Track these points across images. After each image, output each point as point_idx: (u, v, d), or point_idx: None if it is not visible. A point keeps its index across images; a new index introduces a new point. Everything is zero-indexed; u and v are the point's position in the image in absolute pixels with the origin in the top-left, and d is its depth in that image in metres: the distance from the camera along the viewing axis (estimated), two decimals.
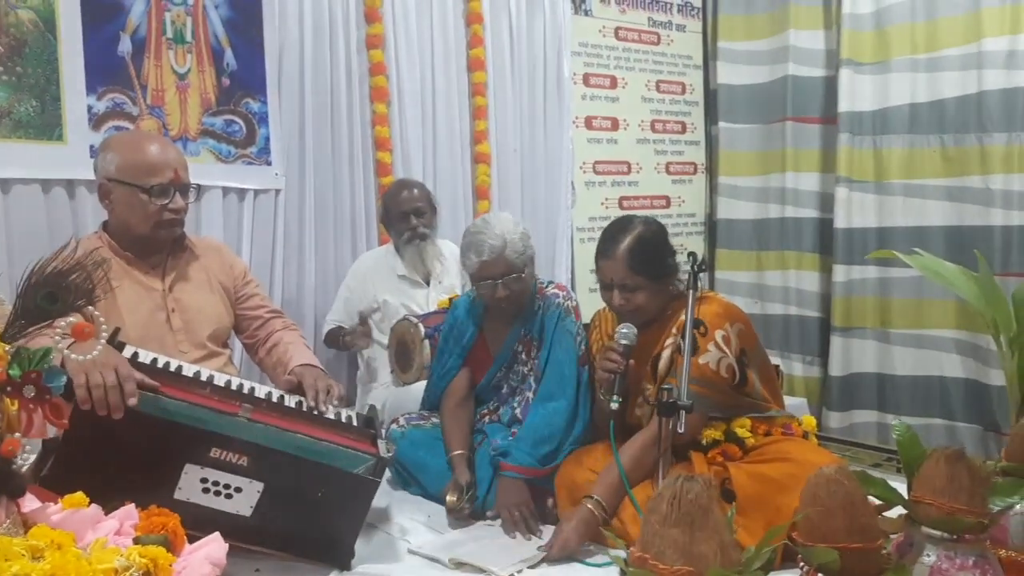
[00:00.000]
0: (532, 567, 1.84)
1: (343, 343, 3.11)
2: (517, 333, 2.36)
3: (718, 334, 2.04)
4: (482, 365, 2.42)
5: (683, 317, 2.06)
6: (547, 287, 2.39)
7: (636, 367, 2.07)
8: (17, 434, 1.21)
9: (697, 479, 1.04)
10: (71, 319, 1.25)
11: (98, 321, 1.28)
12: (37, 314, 1.23)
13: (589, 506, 1.92)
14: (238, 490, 1.69)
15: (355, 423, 2.03)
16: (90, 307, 1.28)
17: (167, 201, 2.09)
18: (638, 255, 2.06)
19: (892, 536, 1.50)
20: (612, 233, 2.12)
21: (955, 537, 1.39)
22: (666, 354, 2.08)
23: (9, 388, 1.19)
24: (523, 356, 2.36)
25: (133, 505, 1.36)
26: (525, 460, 2.14)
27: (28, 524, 1.21)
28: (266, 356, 2.30)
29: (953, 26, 3.76)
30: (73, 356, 1.28)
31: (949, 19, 3.77)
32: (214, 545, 1.31)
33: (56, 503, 1.28)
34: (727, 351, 2.04)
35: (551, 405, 2.22)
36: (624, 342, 1.99)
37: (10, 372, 1.18)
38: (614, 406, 1.92)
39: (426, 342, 2.84)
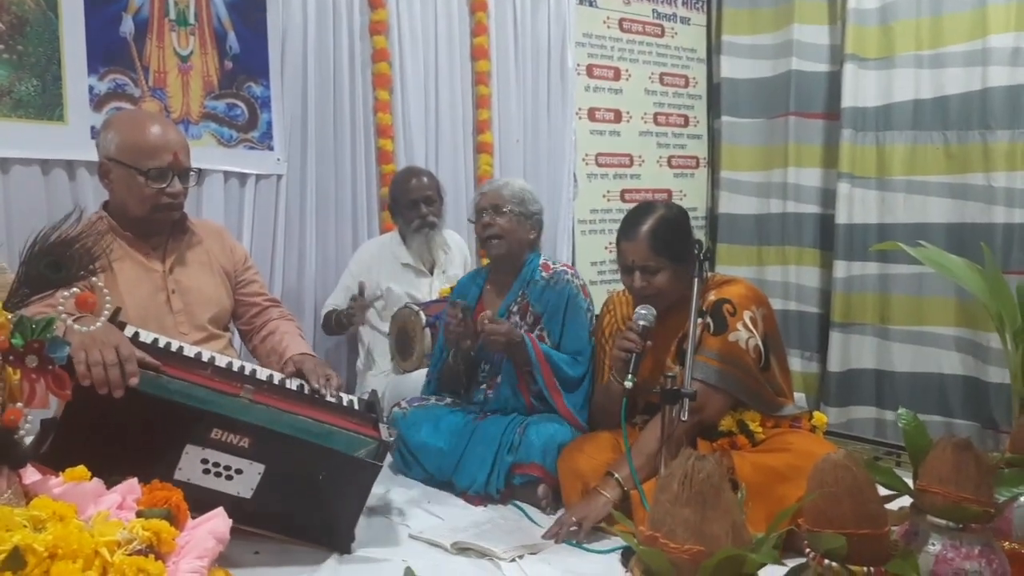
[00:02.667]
0: (534, 553, 1.83)
1: (340, 320, 3.07)
2: (515, 295, 2.45)
3: (746, 314, 2.05)
4: None
5: (710, 297, 2.07)
6: (553, 264, 2.48)
7: (658, 350, 2.07)
8: (19, 404, 1.19)
9: (708, 458, 1.03)
10: (74, 290, 1.23)
11: (101, 292, 1.27)
12: (40, 282, 1.21)
13: (613, 487, 1.93)
14: (239, 472, 1.68)
15: (356, 407, 2.02)
16: (94, 278, 1.26)
17: (164, 185, 2.06)
18: (660, 236, 2.08)
19: (894, 528, 1.49)
20: (635, 216, 2.14)
21: (961, 526, 1.38)
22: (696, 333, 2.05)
23: (11, 357, 1.18)
24: (517, 319, 2.42)
25: (136, 479, 1.35)
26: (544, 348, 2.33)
27: (29, 496, 1.19)
28: (260, 344, 2.28)
29: (958, 22, 3.75)
30: (76, 327, 1.26)
31: (954, 15, 3.76)
32: (218, 520, 1.29)
33: (57, 476, 1.26)
34: (754, 331, 2.05)
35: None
36: (642, 323, 1.99)
37: (13, 341, 1.16)
38: (628, 385, 1.92)
39: (427, 330, 2.83)
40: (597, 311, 2.46)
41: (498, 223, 2.40)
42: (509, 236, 2.42)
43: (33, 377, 1.19)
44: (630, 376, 1.92)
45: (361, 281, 3.06)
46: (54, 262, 1.20)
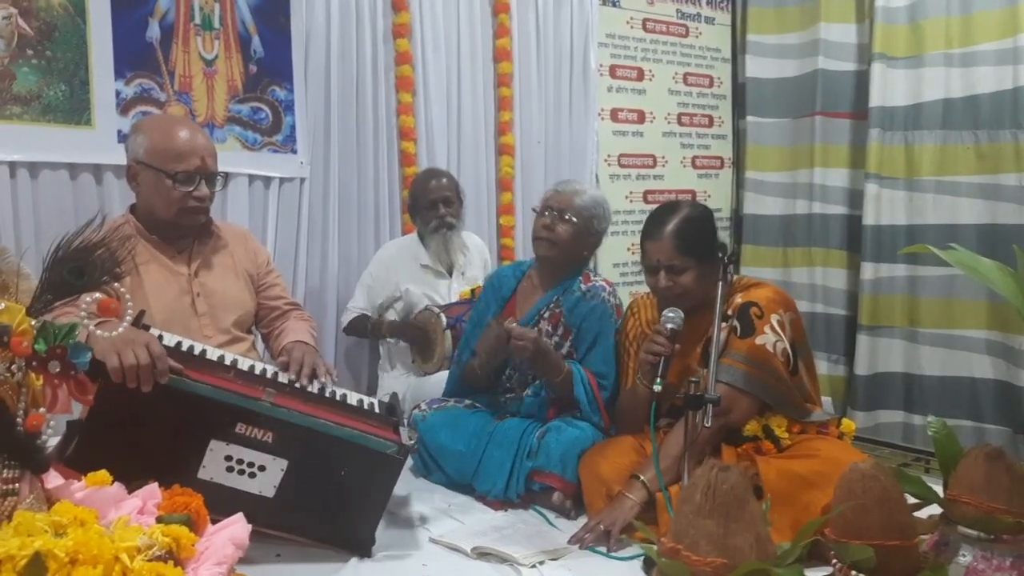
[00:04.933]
0: (555, 559, 1.82)
1: (377, 331, 3.08)
2: (549, 299, 2.37)
3: (774, 318, 2.03)
4: None
5: (737, 300, 2.05)
6: (594, 277, 2.41)
7: (683, 353, 2.06)
8: (42, 409, 1.21)
9: (732, 469, 1.01)
10: (97, 295, 1.24)
11: (124, 298, 1.27)
12: (63, 288, 1.22)
13: (639, 489, 1.91)
14: (262, 468, 1.69)
15: (377, 410, 2.02)
16: (116, 284, 1.27)
17: (191, 188, 2.08)
18: (685, 236, 2.06)
19: (924, 536, 1.46)
20: (659, 215, 2.12)
21: (992, 537, 1.36)
22: (721, 336, 2.00)
23: (34, 363, 1.19)
24: (549, 328, 2.35)
25: (156, 484, 1.35)
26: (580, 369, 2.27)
27: (51, 500, 1.20)
28: (275, 346, 2.29)
29: (989, 20, 3.68)
30: (99, 332, 1.27)
31: (985, 13, 3.69)
32: (237, 526, 1.30)
33: (79, 481, 1.27)
34: (782, 335, 2.02)
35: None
36: (671, 326, 1.97)
37: (36, 347, 1.17)
38: (658, 388, 1.90)
39: (447, 332, 2.83)
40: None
41: (557, 229, 2.31)
42: (561, 246, 2.32)
43: (56, 382, 1.20)
44: (659, 380, 1.90)
45: (394, 295, 3.07)
46: (76, 268, 1.22)
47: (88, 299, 1.24)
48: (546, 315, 2.36)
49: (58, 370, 1.19)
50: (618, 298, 2.41)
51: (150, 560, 1.09)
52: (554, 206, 2.32)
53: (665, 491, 1.86)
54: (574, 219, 2.31)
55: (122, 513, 1.21)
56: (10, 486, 1.18)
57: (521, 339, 2.16)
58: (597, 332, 2.31)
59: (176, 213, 2.10)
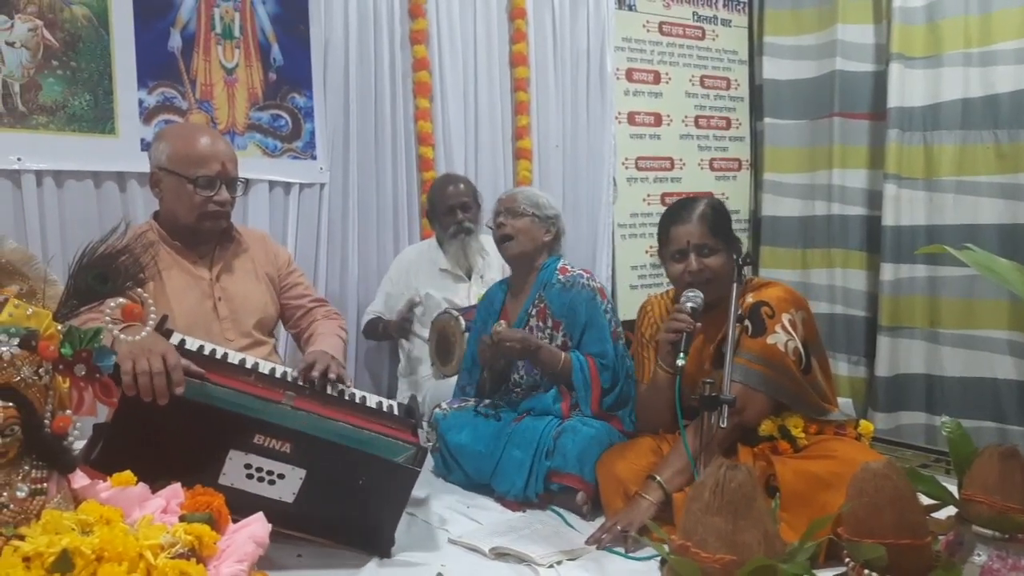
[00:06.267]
0: (573, 559, 1.83)
1: (388, 331, 3.13)
2: (532, 298, 2.48)
3: (785, 317, 2.04)
4: None
5: (748, 300, 2.05)
6: (572, 268, 2.50)
7: (697, 354, 2.06)
8: (68, 411, 1.24)
9: (741, 467, 1.02)
10: (121, 300, 1.28)
11: (147, 303, 1.31)
12: (88, 294, 1.26)
13: (655, 490, 1.93)
14: (281, 476, 1.71)
15: (396, 413, 2.04)
16: (139, 289, 1.31)
17: (212, 193, 2.12)
18: (714, 218, 2.11)
19: (940, 536, 1.46)
20: (684, 203, 2.19)
21: (1007, 536, 1.35)
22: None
23: (61, 366, 1.22)
24: (539, 324, 2.44)
25: (179, 485, 1.39)
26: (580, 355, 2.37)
27: (78, 500, 1.24)
28: (306, 348, 2.31)
29: (1008, 19, 3.65)
30: (123, 337, 1.30)
31: (1004, 12, 3.66)
32: (257, 525, 1.33)
33: (105, 481, 1.31)
34: (794, 334, 2.03)
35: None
36: (691, 305, 1.99)
37: (62, 351, 1.21)
38: (681, 363, 1.91)
39: (467, 335, 2.84)
40: (625, 316, 2.45)
41: (511, 224, 2.46)
42: (522, 236, 2.46)
43: (81, 385, 1.24)
44: (681, 355, 1.90)
45: (412, 298, 3.10)
46: (101, 274, 1.25)
47: (112, 304, 1.27)
48: (533, 312, 2.45)
49: (83, 373, 1.23)
50: (598, 282, 2.51)
51: (173, 557, 1.12)
52: (502, 209, 2.50)
53: (696, 472, 1.86)
54: (523, 208, 2.47)
55: (146, 512, 1.25)
56: (39, 486, 1.22)
57: (508, 340, 2.29)
58: (586, 317, 2.40)
59: (197, 218, 2.13)
